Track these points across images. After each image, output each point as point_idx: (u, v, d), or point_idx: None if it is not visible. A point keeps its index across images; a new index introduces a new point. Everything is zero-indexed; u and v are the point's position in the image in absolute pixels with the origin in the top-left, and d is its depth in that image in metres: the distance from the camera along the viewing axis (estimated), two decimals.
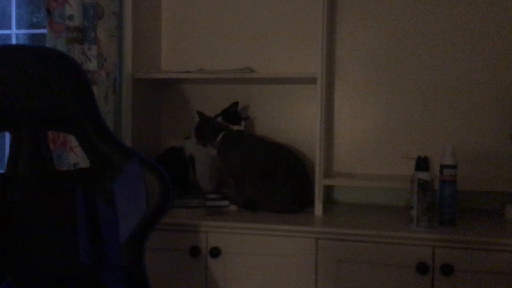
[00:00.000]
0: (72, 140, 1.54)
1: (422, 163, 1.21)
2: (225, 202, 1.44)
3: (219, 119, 1.53)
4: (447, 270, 1.12)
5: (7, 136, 1.75)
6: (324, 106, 1.40)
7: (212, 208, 1.42)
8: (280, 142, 1.63)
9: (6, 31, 1.83)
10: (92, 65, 1.58)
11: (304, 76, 1.45)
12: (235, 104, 1.56)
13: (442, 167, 1.24)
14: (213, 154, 1.49)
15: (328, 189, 1.62)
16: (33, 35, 1.83)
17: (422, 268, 1.13)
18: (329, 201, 1.62)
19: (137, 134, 1.55)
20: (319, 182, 1.38)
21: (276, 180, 1.40)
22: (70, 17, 1.53)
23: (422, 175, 1.20)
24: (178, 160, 1.56)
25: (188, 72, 1.51)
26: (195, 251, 1.26)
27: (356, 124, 1.61)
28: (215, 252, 1.25)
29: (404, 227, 1.21)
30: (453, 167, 1.23)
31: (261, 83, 1.65)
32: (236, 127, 1.51)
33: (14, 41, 1.81)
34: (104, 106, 1.62)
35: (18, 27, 1.82)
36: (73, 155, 1.54)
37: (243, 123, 1.54)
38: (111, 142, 1.10)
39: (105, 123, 1.11)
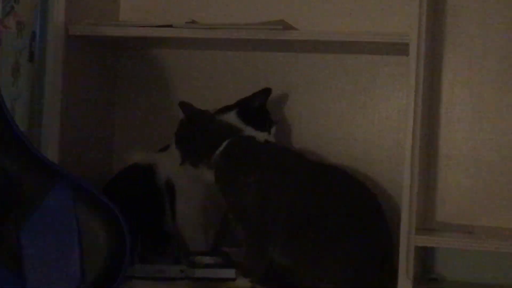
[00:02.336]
0: None
1: None
2: (230, 272, 1.44)
3: (231, 115, 1.54)
4: None
5: None
6: (423, 98, 1.37)
7: (206, 282, 1.42)
8: (334, 162, 1.61)
9: None
10: None
11: (386, 40, 1.42)
12: (265, 92, 1.57)
13: None
14: (209, 180, 1.49)
15: (426, 255, 1.59)
16: None
17: None
18: (427, 278, 1.58)
19: (71, 140, 1.55)
20: (408, 241, 1.36)
21: (325, 235, 1.39)
22: None
23: None
24: (145, 189, 1.57)
25: (170, 26, 1.51)
26: None
27: (482, 134, 1.57)
28: None
29: None
30: None
31: (302, 50, 1.62)
32: (261, 136, 1.52)
33: None
34: (11, 86, 1.62)
35: None
36: None
37: (273, 130, 1.55)
38: (20, 154, 1.14)
39: (12, 118, 1.14)
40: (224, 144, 1.45)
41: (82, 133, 1.60)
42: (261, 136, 1.52)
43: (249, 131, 1.52)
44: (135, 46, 1.71)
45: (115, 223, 1.13)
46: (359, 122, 1.64)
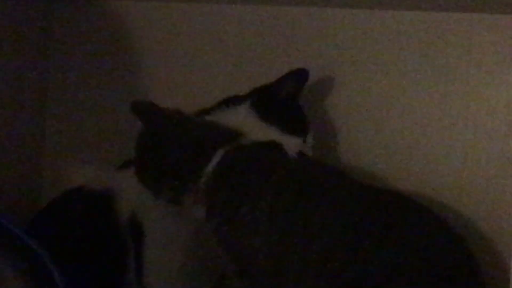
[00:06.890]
0: None
1: None
2: None
3: (241, 110, 1.43)
4: None
5: None
6: None
7: None
8: (401, 188, 1.41)
9: None
10: None
11: None
12: (299, 77, 1.43)
13: None
14: (196, 216, 1.33)
15: None
16: None
17: None
18: None
19: None
20: None
21: None
22: None
23: None
24: (96, 229, 1.43)
25: None
26: None
27: None
28: None
29: None
30: None
31: (348, 5, 1.46)
32: (293, 143, 1.40)
33: None
34: None
35: None
36: None
37: (310, 138, 1.44)
38: None
39: None
40: (217, 156, 1.27)
41: None
42: (292, 143, 1.35)
43: (269, 133, 1.35)
44: None
45: (47, 282, 1.10)
46: (442, 122, 1.39)
